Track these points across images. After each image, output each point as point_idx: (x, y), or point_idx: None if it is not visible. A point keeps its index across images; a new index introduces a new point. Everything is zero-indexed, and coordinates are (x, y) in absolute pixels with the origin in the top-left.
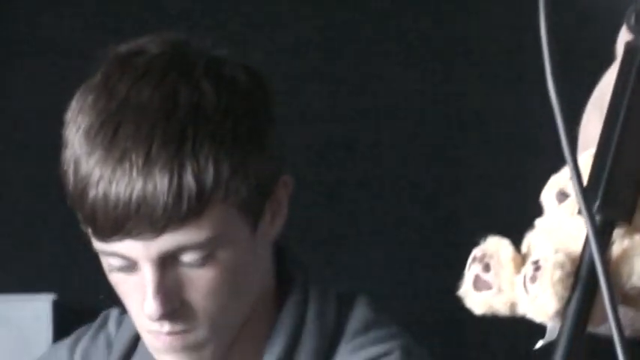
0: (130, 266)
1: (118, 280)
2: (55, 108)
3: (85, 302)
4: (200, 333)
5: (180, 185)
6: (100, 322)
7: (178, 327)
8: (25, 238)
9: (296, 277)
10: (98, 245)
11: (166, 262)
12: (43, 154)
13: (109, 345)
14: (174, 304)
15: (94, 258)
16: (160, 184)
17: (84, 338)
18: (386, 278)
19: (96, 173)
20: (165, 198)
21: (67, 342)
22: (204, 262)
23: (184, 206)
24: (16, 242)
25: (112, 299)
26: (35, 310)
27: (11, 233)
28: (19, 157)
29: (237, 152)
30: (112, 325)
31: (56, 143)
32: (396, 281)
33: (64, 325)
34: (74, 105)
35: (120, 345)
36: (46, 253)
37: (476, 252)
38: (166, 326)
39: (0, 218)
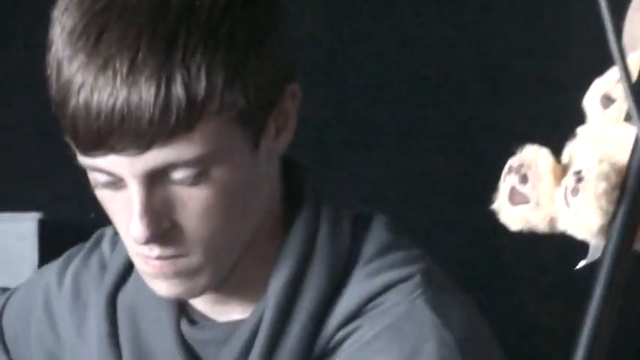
0: (117, 182)
1: (105, 198)
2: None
3: (73, 221)
4: (193, 259)
5: (168, 96)
6: (93, 242)
7: (169, 252)
8: (9, 153)
9: (306, 195)
10: (82, 159)
11: (155, 180)
12: (30, 62)
13: (103, 267)
14: (162, 227)
15: (82, 174)
16: (146, 94)
17: (75, 260)
18: (408, 191)
19: (77, 80)
20: (152, 110)
21: (56, 264)
22: (196, 180)
23: (173, 119)
24: (0, 160)
25: (104, 218)
26: (20, 229)
27: None
28: (3, 66)
29: (233, 60)
30: (106, 245)
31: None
32: (421, 193)
33: (51, 245)
34: (61, 2)
35: (114, 267)
36: (31, 169)
37: (512, 162)
38: (156, 250)
39: None
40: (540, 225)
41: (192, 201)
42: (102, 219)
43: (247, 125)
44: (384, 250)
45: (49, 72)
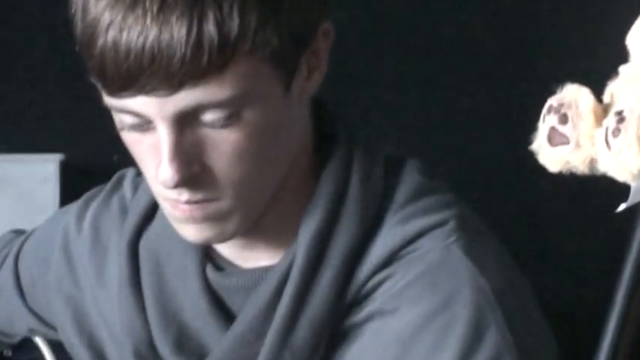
0: (144, 125)
1: (132, 140)
2: None
3: (94, 163)
4: (223, 203)
5: (200, 35)
6: (114, 184)
7: (198, 196)
8: (32, 94)
9: (338, 137)
10: (109, 100)
11: (185, 122)
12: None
13: (124, 209)
14: (192, 170)
15: (105, 115)
16: (178, 33)
17: (95, 201)
18: (444, 130)
19: (105, 18)
20: (183, 49)
21: (75, 206)
22: (227, 122)
23: (204, 59)
24: (22, 99)
25: (127, 161)
26: (42, 171)
27: (17, 89)
28: (27, 7)
29: None
30: (127, 187)
31: None
32: (457, 135)
33: (72, 187)
34: None
35: (137, 210)
36: (53, 111)
37: (552, 101)
38: (185, 194)
39: (5, 74)
40: (580, 166)
41: (223, 144)
42: (125, 162)
43: (280, 66)
44: (417, 195)
45: (73, 10)
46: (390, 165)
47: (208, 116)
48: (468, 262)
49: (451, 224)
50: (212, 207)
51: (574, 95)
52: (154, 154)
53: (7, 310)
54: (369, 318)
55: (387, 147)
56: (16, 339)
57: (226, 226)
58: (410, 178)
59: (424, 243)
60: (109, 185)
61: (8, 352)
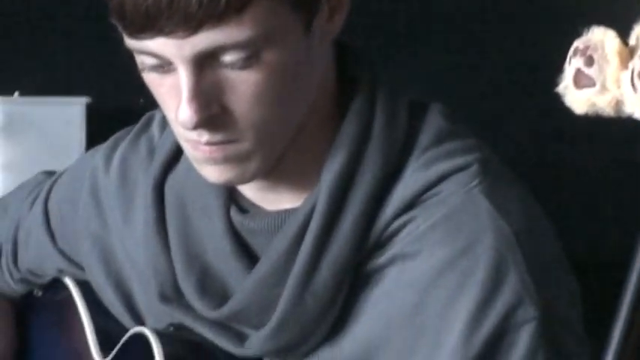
0: (165, 66)
1: (153, 82)
2: None
3: (121, 106)
4: (243, 144)
5: None
6: (142, 125)
7: (218, 137)
8: (57, 37)
9: (361, 80)
10: (129, 42)
11: (204, 63)
12: None
13: (151, 150)
14: (212, 112)
15: (131, 58)
16: None
17: (123, 143)
18: (466, 77)
19: None
20: None
21: (103, 147)
22: (247, 63)
23: (222, 0)
24: (47, 42)
25: (153, 104)
26: (67, 114)
27: (42, 32)
28: None
29: None
30: (155, 128)
31: None
32: (480, 80)
33: (98, 131)
34: None
35: (162, 152)
36: (79, 53)
37: (578, 43)
38: (205, 136)
39: (31, 16)
40: (606, 108)
41: (243, 85)
42: (151, 105)
43: (299, 6)
44: (440, 139)
45: None
46: (414, 109)
47: (227, 57)
48: (490, 206)
49: (473, 168)
50: (232, 148)
51: (600, 38)
52: (174, 96)
53: (37, 251)
54: (390, 261)
55: (410, 92)
56: (46, 279)
57: (247, 167)
58: (433, 122)
59: (446, 187)
60: (137, 127)
61: (38, 293)
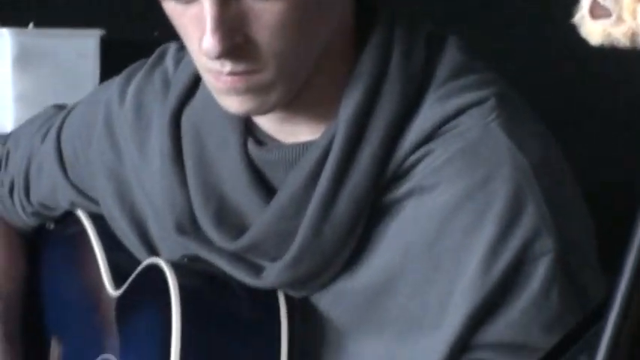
0: None
1: (175, 12)
2: None
3: (135, 39)
4: (265, 74)
5: None
6: (156, 58)
7: (241, 67)
8: None
9: (380, 13)
10: None
11: None
12: None
13: (166, 83)
14: (235, 41)
15: None
16: None
17: (137, 75)
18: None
19: None
20: None
21: (117, 80)
22: None
23: None
24: None
25: (168, 36)
26: (81, 46)
27: None
28: None
29: None
30: (169, 60)
31: None
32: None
33: (112, 63)
34: None
35: (179, 84)
36: None
37: None
38: (228, 66)
39: None
40: (622, 40)
41: (266, 14)
42: (166, 37)
43: None
44: (457, 73)
45: None
46: (432, 42)
47: None
48: (507, 139)
49: (491, 102)
50: (254, 78)
51: None
52: (197, 26)
53: (49, 184)
54: (408, 194)
55: (429, 24)
56: (59, 212)
57: (268, 97)
58: (451, 56)
59: (464, 120)
60: (151, 59)
61: (50, 225)
